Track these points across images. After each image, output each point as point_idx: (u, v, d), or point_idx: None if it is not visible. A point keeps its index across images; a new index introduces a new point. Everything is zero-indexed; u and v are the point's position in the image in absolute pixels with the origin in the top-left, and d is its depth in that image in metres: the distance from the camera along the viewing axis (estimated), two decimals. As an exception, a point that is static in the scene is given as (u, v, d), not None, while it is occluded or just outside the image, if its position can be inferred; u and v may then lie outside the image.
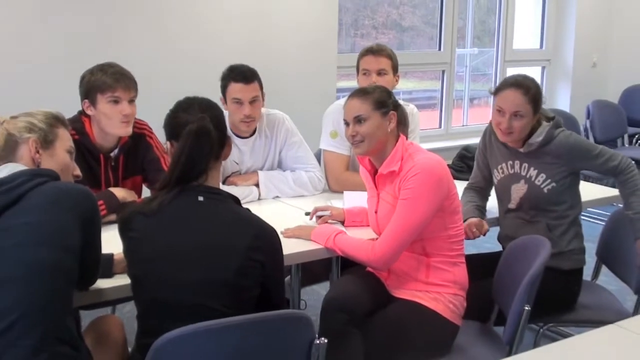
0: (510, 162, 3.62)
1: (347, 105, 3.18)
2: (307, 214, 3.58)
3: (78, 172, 2.69)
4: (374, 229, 3.26)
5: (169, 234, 2.45)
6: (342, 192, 3.77)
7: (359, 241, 3.12)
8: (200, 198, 2.48)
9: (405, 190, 2.99)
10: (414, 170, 3.00)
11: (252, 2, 5.84)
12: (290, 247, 3.15)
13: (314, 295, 4.60)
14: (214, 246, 2.41)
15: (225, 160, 2.67)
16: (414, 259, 3.12)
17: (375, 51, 4.13)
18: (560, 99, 8.36)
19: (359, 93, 3.18)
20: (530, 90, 3.44)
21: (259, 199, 3.94)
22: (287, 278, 3.69)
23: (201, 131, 2.48)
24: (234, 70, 3.85)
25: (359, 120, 3.12)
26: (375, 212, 3.20)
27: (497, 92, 3.50)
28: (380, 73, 4.09)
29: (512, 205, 3.62)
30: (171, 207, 2.48)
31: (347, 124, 3.18)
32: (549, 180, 3.49)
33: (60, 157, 2.60)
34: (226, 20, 5.72)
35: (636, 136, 8.07)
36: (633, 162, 3.55)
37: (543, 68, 8.42)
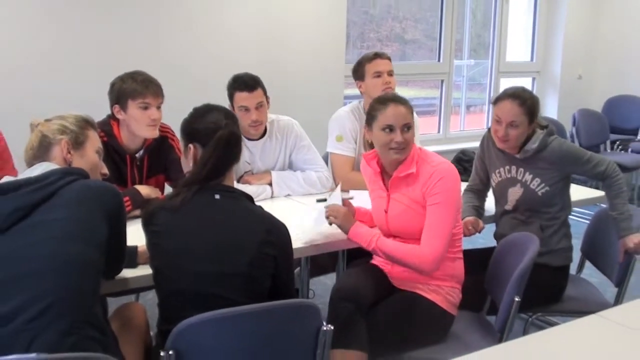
0: (507, 167, 3.61)
1: (396, 111, 3.05)
2: (319, 200, 3.52)
3: (105, 170, 2.69)
4: (381, 227, 3.22)
5: (188, 228, 2.45)
6: (348, 191, 3.73)
7: (404, 246, 3.03)
8: (217, 196, 2.49)
9: (434, 195, 2.98)
10: (438, 175, 3.00)
11: (266, 16, 5.83)
12: (299, 241, 3.14)
13: (322, 286, 4.59)
14: (229, 241, 2.41)
15: (238, 161, 2.65)
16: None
17: (382, 55, 4.19)
18: (548, 107, 8.35)
19: (401, 100, 3.11)
20: (526, 102, 3.43)
21: (272, 197, 3.93)
22: (297, 269, 3.68)
23: (232, 137, 2.53)
24: (238, 80, 3.85)
25: (407, 127, 3.06)
26: (386, 211, 3.17)
27: (496, 102, 3.49)
28: (390, 74, 4.15)
29: (509, 206, 3.60)
30: (190, 204, 2.48)
31: (391, 130, 3.05)
32: (543, 184, 3.48)
33: (90, 157, 2.60)
34: (243, 32, 5.72)
35: (617, 142, 8.06)
36: (617, 167, 3.54)
37: (533, 79, 8.40)
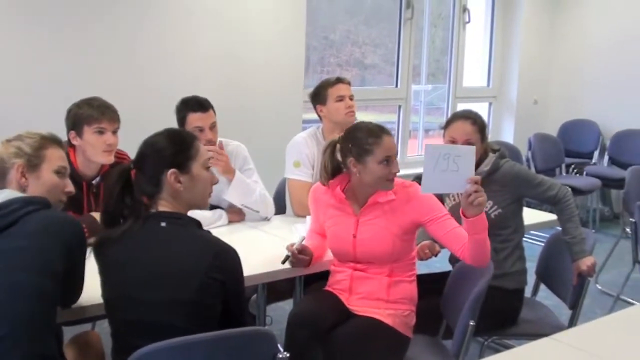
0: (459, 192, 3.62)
1: (390, 142, 3.08)
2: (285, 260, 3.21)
3: (70, 188, 2.65)
4: (345, 252, 3.20)
5: (134, 258, 2.42)
6: (305, 217, 3.72)
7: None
8: (163, 224, 2.46)
9: (432, 212, 3.09)
10: (420, 193, 3.09)
11: (224, 41, 5.82)
12: (256, 267, 3.14)
13: (280, 311, 4.55)
14: (176, 267, 2.38)
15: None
16: (379, 281, 3.15)
17: (344, 80, 4.22)
18: (505, 132, 8.43)
19: (387, 130, 3.13)
20: (477, 121, 3.49)
21: (227, 222, 3.92)
22: (254, 296, 3.66)
23: (125, 170, 2.59)
24: (189, 102, 3.86)
25: (395, 158, 3.12)
26: (354, 236, 3.16)
27: (447, 125, 3.52)
28: (351, 98, 4.18)
29: (463, 230, 3.62)
30: (137, 233, 2.45)
31: (388, 161, 3.07)
32: (495, 207, 3.49)
33: (47, 179, 2.55)
34: (199, 57, 5.70)
35: (572, 166, 8.14)
36: (570, 191, 3.58)
37: (490, 104, 8.48)
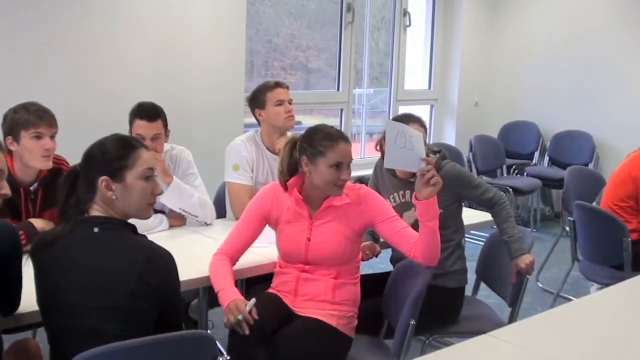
0: (401, 192, 3.67)
1: (345, 149, 3.10)
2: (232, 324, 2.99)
3: (5, 190, 2.56)
4: (297, 255, 3.20)
5: (67, 263, 2.39)
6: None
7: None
8: (96, 229, 2.42)
9: (382, 213, 3.16)
10: (370, 194, 3.21)
11: (164, 44, 5.78)
12: (196, 271, 3.13)
13: (222, 316, 4.53)
14: (108, 273, 2.35)
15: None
16: (325, 282, 3.16)
17: (282, 84, 4.21)
18: (446, 133, 8.50)
19: (346, 137, 3.15)
20: (423, 124, 3.62)
21: (169, 227, 3.90)
22: (195, 300, 3.64)
23: (72, 172, 2.56)
24: (141, 107, 3.84)
25: (350, 163, 3.14)
26: (309, 239, 3.17)
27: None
28: (290, 102, 4.17)
29: (405, 231, 3.65)
30: (69, 239, 2.42)
31: (338, 167, 3.08)
32: (437, 206, 3.52)
33: None
34: (138, 60, 5.64)
35: (513, 166, 8.23)
36: (504, 195, 3.65)
37: (431, 106, 8.54)
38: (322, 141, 3.08)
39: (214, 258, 3.15)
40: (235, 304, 2.91)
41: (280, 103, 4.12)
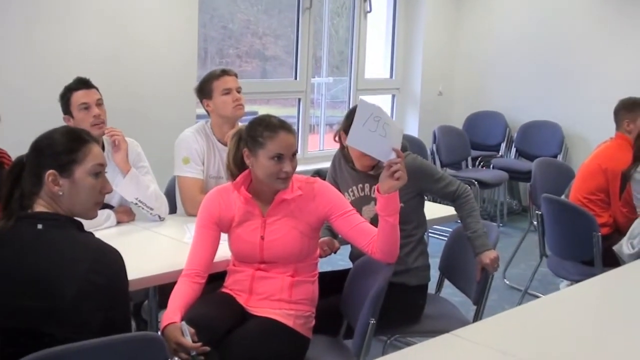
0: (360, 185, 3.67)
1: (287, 140, 3.08)
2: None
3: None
4: (251, 255, 3.18)
5: (8, 262, 2.35)
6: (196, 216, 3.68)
7: None
8: (40, 226, 2.39)
9: (338, 207, 3.17)
10: (325, 187, 3.23)
11: (108, 31, 5.73)
12: (146, 269, 3.13)
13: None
14: (53, 272, 2.32)
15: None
16: (281, 281, 3.16)
17: (229, 72, 4.22)
18: (409, 124, 8.53)
19: (287, 127, 3.13)
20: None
21: (116, 223, 3.88)
22: (146, 301, 3.63)
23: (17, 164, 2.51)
24: (71, 83, 3.86)
25: (294, 155, 3.12)
26: (262, 237, 3.16)
27: (349, 117, 3.49)
28: (238, 90, 4.17)
29: (364, 225, 3.66)
30: (11, 235, 2.39)
31: (279, 158, 3.07)
32: (399, 200, 3.52)
33: None
34: (83, 51, 5.58)
35: (479, 158, 8.29)
36: (469, 187, 3.68)
37: (393, 96, 8.58)
38: (263, 132, 3.07)
39: (177, 281, 3.14)
40: (170, 333, 2.87)
41: (227, 92, 4.12)
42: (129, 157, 3.91)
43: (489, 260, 3.48)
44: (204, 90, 4.18)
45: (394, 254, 3.07)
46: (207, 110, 4.21)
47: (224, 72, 4.19)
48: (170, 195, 4.34)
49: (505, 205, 8.19)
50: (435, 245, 4.21)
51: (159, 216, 3.97)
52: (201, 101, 4.22)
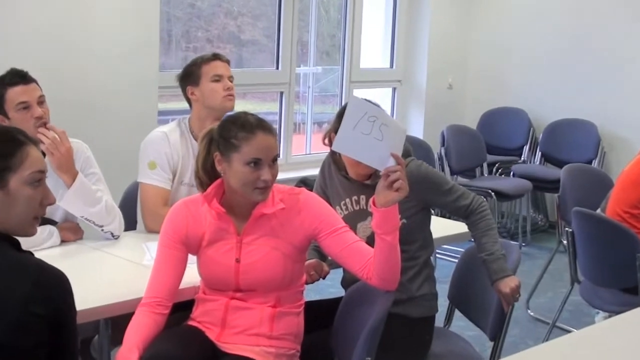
0: (354, 198, 3.66)
1: (265, 143, 3.06)
2: None
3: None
4: (225, 282, 3.17)
5: None
6: (159, 232, 3.67)
7: None
8: None
9: (328, 223, 3.15)
10: (312, 200, 3.21)
11: (51, 14, 5.71)
12: (96, 298, 3.13)
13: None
14: None
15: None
16: (260, 312, 3.15)
17: (222, 57, 4.27)
18: (412, 123, 8.57)
19: (267, 126, 3.11)
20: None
21: (60, 243, 3.87)
22: (95, 337, 3.63)
23: None
24: (5, 76, 3.80)
25: (274, 160, 3.10)
26: (238, 260, 3.15)
27: (341, 115, 3.49)
28: (231, 79, 4.22)
29: (359, 246, 3.65)
30: None
31: (257, 164, 3.05)
32: (399, 217, 3.50)
33: None
34: (21, 38, 5.56)
35: (496, 165, 8.31)
36: (485, 201, 3.65)
37: (394, 89, 8.64)
38: (237, 132, 3.05)
39: (136, 311, 3.14)
40: None
41: (218, 79, 4.16)
42: (75, 163, 3.90)
43: (509, 289, 3.46)
44: (189, 76, 4.20)
45: (393, 279, 3.07)
46: (189, 101, 4.23)
47: (216, 57, 4.24)
48: (127, 207, 4.33)
49: (529, 220, 8.19)
50: (444, 269, 4.23)
51: (112, 234, 3.96)
52: (184, 89, 4.23)
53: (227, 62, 4.28)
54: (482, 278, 3.60)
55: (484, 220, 3.59)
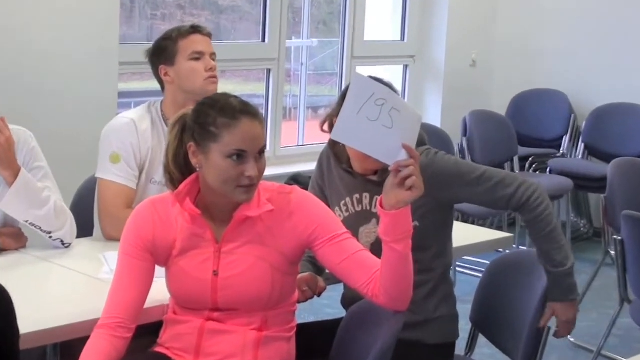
0: (357, 196, 3.67)
1: (250, 130, 3.03)
2: None
3: None
4: (199, 297, 3.16)
5: None
6: (119, 241, 3.64)
7: None
8: None
9: (326, 229, 3.11)
10: (307, 200, 3.19)
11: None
12: (43, 318, 3.12)
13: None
14: None
15: None
16: (243, 336, 3.14)
17: (202, 29, 4.24)
18: (428, 108, 8.60)
19: (252, 111, 3.08)
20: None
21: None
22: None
23: None
24: None
25: (261, 152, 3.08)
26: (215, 273, 3.14)
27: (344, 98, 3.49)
28: (213, 57, 4.22)
29: (362, 255, 3.65)
30: None
31: (240, 157, 3.02)
32: (411, 219, 3.47)
33: None
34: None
35: (530, 159, 8.34)
36: (539, 186, 3.51)
37: (405, 67, 8.66)
38: (217, 117, 3.01)
39: (91, 335, 3.13)
40: None
41: (198, 57, 4.15)
42: (18, 157, 3.91)
43: (566, 319, 3.47)
44: (163, 52, 4.19)
45: (405, 297, 3.06)
46: (162, 82, 4.24)
47: (195, 30, 4.21)
48: (81, 209, 4.33)
49: (569, 226, 8.22)
50: (466, 285, 4.23)
51: (62, 241, 3.96)
52: (156, 68, 4.22)
53: (209, 35, 4.27)
54: (511, 295, 3.61)
55: (543, 216, 3.47)
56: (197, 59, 4.16)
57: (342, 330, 3.38)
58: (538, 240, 3.51)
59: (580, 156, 8.36)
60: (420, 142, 3.45)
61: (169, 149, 3.18)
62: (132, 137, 4.13)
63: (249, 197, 3.07)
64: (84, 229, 4.23)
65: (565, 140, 8.46)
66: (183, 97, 4.14)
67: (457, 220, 3.91)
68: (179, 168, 3.16)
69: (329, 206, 3.51)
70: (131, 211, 3.46)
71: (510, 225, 7.71)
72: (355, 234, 3.54)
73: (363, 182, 3.65)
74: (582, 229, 8.54)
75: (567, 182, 7.78)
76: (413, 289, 3.13)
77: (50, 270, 3.76)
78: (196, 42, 4.18)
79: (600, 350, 5.43)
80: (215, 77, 4.19)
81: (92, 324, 3.13)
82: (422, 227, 3.48)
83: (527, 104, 8.56)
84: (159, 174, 4.08)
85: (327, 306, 3.88)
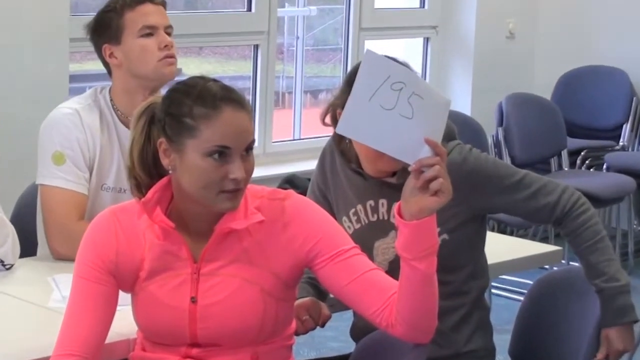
0: (370, 203, 3.67)
1: (234, 122, 2.99)
2: None
3: None
4: (174, 330, 3.14)
5: None
6: (72, 261, 3.65)
7: None
8: None
9: (330, 243, 3.06)
10: (305, 208, 3.16)
11: None
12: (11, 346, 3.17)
13: None
14: None
15: None
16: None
17: None
18: (455, 91, 8.63)
19: (236, 98, 3.04)
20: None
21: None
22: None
23: None
24: None
25: (248, 150, 3.05)
26: (194, 300, 3.14)
27: (349, 80, 3.49)
28: (169, 31, 4.20)
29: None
30: None
31: (222, 156, 2.98)
32: (437, 231, 3.46)
33: None
34: None
35: (582, 153, 8.34)
36: (580, 195, 3.59)
37: (426, 40, 8.69)
38: (193, 107, 2.97)
39: None
40: None
41: (149, 32, 4.14)
42: None
43: (622, 347, 3.49)
44: (105, 28, 4.19)
45: (428, 327, 3.05)
46: (107, 65, 4.24)
47: None
48: (23, 222, 4.35)
49: (632, 235, 8.25)
50: (504, 311, 4.23)
51: (2, 262, 3.98)
52: (99, 48, 4.22)
53: (163, 4, 4.23)
54: (560, 323, 3.62)
55: (590, 222, 3.53)
56: (149, 35, 4.13)
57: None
58: (585, 252, 3.53)
59: (644, 149, 8.38)
60: (449, 136, 3.48)
61: (134, 146, 3.11)
62: (77, 131, 4.11)
63: (234, 204, 3.03)
64: (27, 247, 4.22)
65: (626, 129, 8.48)
66: (135, 82, 4.16)
67: (493, 230, 3.92)
68: (147, 170, 3.11)
69: (333, 216, 3.47)
70: (85, 224, 3.50)
71: (558, 236, 7.69)
72: (369, 250, 3.56)
73: (378, 185, 3.64)
74: (647, 239, 8.56)
75: (629, 182, 7.77)
76: (439, 317, 3.10)
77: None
78: (147, 14, 4.15)
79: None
80: (172, 56, 4.16)
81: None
82: (452, 240, 3.49)
83: (577, 85, 8.59)
84: (112, 179, 4.11)
85: (332, 339, 3.89)
